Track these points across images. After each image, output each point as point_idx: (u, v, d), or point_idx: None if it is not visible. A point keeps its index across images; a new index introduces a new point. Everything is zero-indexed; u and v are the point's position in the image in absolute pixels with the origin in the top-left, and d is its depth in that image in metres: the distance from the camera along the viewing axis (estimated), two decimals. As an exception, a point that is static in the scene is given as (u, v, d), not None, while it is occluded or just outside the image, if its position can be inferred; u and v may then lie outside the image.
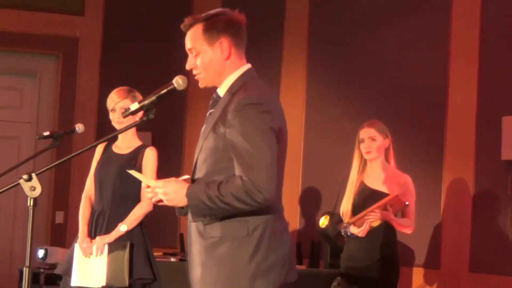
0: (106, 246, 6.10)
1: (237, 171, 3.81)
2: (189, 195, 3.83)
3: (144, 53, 9.94)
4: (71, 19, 9.87)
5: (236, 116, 3.82)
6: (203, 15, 4.03)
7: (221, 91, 4.02)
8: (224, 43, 3.97)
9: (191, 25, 4.02)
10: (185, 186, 3.87)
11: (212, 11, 4.05)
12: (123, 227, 6.11)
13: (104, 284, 6.04)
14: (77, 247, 6.16)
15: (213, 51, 3.98)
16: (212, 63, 4.00)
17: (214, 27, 3.98)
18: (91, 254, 6.11)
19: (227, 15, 4.03)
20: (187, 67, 4.07)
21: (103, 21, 9.96)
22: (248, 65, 4.06)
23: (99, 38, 9.95)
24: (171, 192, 3.89)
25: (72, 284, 6.15)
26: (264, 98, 3.91)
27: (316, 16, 8.89)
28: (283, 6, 9.21)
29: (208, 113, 4.06)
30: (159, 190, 3.92)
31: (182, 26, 4.06)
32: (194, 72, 4.04)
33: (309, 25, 8.97)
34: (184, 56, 3.84)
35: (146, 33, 10.05)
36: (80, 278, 6.11)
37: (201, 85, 4.06)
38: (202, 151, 3.98)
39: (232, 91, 3.96)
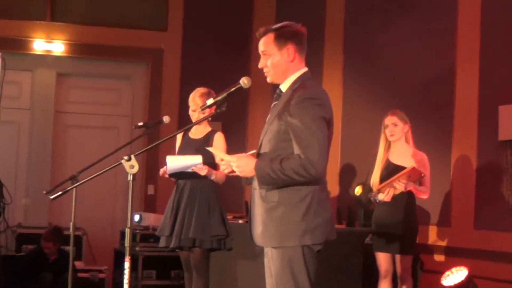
0: None
1: (296, 150, 3.82)
2: (257, 167, 3.85)
3: (215, 59, 10.05)
4: (157, 34, 10.07)
5: (297, 107, 3.83)
6: (273, 26, 4.03)
7: (284, 87, 4.02)
8: (290, 49, 3.97)
9: (264, 33, 4.01)
10: (254, 160, 3.89)
11: (281, 24, 4.04)
12: (212, 176, 6.14)
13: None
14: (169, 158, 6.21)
15: (281, 54, 3.97)
16: (280, 64, 3.98)
17: (283, 36, 3.97)
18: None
19: (293, 27, 4.02)
20: (259, 66, 4.08)
21: (182, 35, 10.14)
22: (306, 68, 4.06)
23: (179, 49, 10.13)
24: (242, 165, 3.89)
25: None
26: (319, 94, 3.92)
27: (349, 32, 8.93)
28: (323, 21, 9.26)
29: (272, 105, 4.09)
30: (233, 163, 3.92)
31: (257, 33, 4.07)
32: (264, 70, 4.05)
33: (344, 36, 9.01)
34: (247, 61, 3.87)
35: (216, 43, 10.09)
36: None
37: (268, 80, 4.06)
38: (267, 133, 3.99)
39: (293, 87, 3.96)
